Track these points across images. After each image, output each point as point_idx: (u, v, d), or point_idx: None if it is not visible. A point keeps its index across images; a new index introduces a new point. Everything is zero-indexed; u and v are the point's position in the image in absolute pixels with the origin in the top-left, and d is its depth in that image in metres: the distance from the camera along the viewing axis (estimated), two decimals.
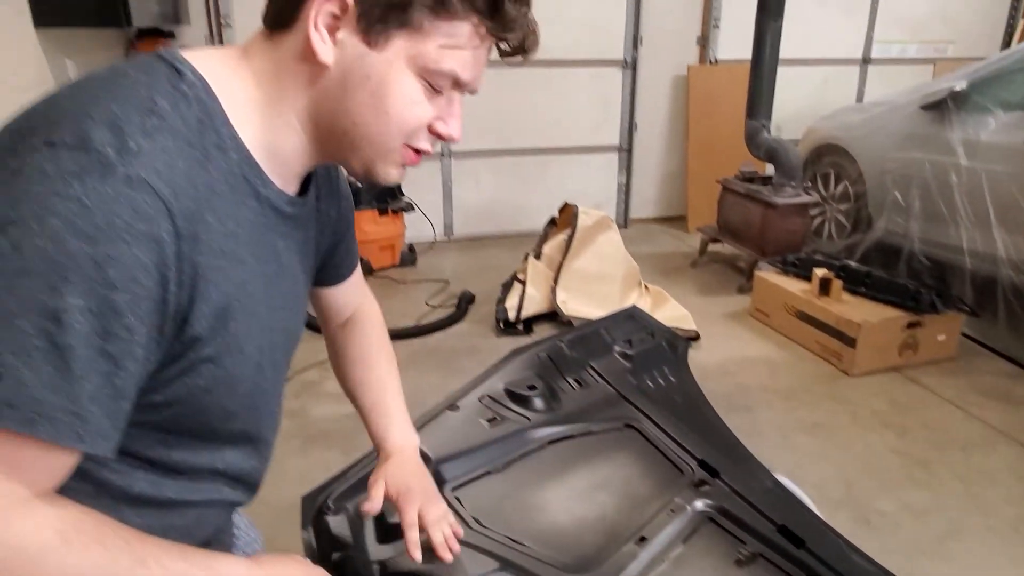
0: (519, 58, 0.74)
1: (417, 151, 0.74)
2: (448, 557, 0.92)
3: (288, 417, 2.60)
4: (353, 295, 1.07)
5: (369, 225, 4.20)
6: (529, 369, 1.44)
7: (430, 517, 0.93)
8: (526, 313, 3.48)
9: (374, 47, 0.67)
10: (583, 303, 3.47)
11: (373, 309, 1.11)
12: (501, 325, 3.48)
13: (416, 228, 4.68)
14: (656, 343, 1.60)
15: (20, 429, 0.54)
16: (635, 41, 4.95)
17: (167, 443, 0.71)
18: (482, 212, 5.06)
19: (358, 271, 1.06)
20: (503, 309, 3.50)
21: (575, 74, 4.94)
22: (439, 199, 4.94)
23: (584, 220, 3.65)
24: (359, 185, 4.17)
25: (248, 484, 0.85)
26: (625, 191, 5.34)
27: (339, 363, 1.08)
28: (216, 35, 4.27)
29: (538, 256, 3.74)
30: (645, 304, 3.51)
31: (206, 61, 0.68)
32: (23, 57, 2.63)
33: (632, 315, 1.72)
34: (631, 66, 5.01)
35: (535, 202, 4.96)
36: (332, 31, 0.67)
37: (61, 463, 0.59)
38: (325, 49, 0.67)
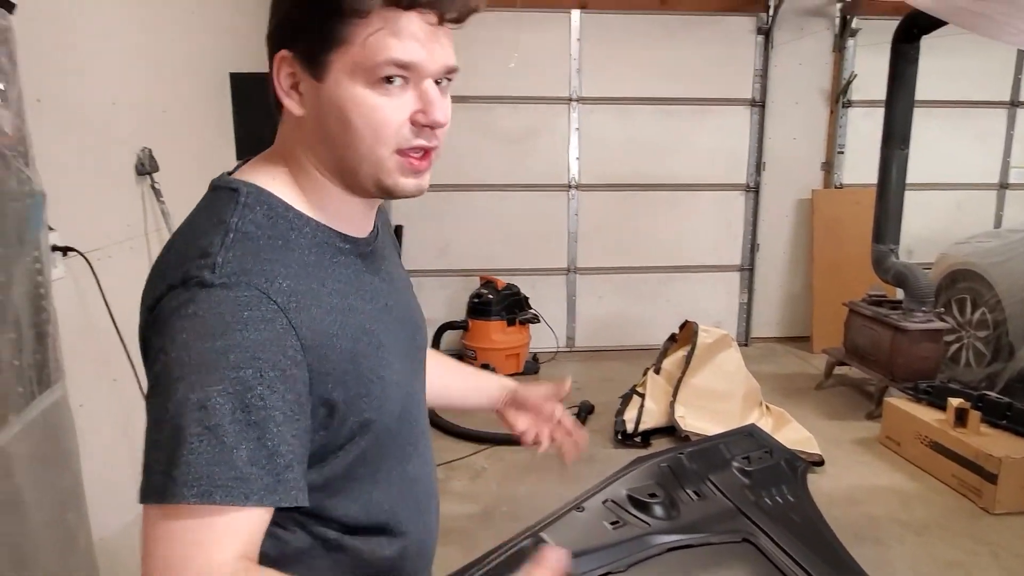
0: (452, 22, 0.75)
1: (418, 153, 0.77)
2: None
3: None
4: None
5: (497, 334, 4.45)
6: (650, 478, 1.53)
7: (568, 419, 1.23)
8: (644, 426, 3.53)
9: (321, 80, 0.74)
10: (701, 419, 3.47)
11: None
12: (619, 436, 3.53)
13: (540, 338, 4.88)
14: (775, 462, 1.63)
15: (201, 502, 0.64)
16: (758, 167, 5.10)
17: (373, 494, 0.83)
18: (604, 325, 5.19)
19: None
20: (622, 421, 3.57)
21: (699, 197, 5.12)
22: (563, 312, 5.14)
23: (704, 338, 3.71)
24: (490, 297, 4.45)
25: (431, 491, 0.97)
26: (747, 310, 5.34)
27: None
28: None
29: (658, 371, 3.81)
30: (766, 425, 3.47)
31: (250, 169, 0.81)
32: None
33: (751, 433, 1.77)
34: (754, 190, 5.15)
35: (656, 318, 5.05)
36: (296, 88, 0.76)
37: (247, 522, 0.67)
38: (294, 104, 0.77)
